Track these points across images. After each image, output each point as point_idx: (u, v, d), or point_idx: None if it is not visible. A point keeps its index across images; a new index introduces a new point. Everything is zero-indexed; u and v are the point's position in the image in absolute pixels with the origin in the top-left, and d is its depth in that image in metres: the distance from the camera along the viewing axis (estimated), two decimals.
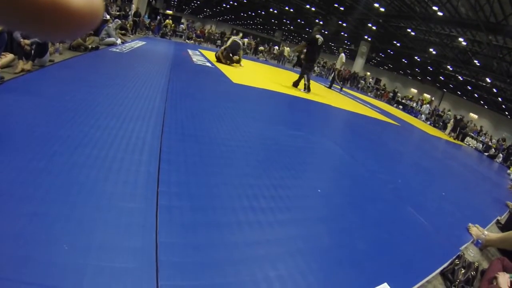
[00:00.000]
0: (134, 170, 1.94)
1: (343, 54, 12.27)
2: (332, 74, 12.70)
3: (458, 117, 15.42)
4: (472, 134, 15.72)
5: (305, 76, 8.76)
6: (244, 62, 11.06)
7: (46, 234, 1.29)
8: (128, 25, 13.15)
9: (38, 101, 2.87)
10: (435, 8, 15.49)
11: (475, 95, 27.39)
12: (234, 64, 10.02)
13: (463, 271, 2.02)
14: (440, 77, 28.78)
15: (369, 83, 23.34)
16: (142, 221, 1.52)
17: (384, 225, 2.36)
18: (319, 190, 2.53)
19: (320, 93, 9.83)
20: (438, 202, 3.51)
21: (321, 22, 27.73)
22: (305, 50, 9.09)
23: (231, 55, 9.72)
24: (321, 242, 1.83)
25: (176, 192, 1.83)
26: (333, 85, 13.03)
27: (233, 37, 10.16)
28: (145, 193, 1.74)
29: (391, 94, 22.83)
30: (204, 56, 10.75)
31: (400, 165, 4.67)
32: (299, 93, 8.25)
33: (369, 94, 21.85)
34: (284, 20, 34.81)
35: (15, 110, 2.54)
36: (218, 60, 9.72)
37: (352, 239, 1.98)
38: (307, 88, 8.65)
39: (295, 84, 8.92)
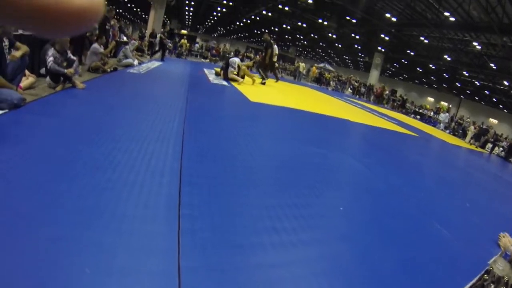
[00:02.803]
0: (155, 193, 1.95)
1: (276, 46, 12.33)
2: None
3: (484, 126, 15.02)
4: (495, 143, 15.16)
5: (264, 72, 11.05)
6: (259, 79, 11.05)
7: (67, 257, 1.29)
8: (144, 46, 13.56)
9: (59, 123, 2.96)
10: (446, 13, 15.34)
11: (493, 99, 26.73)
12: (251, 80, 10.00)
13: (492, 287, 1.91)
14: (456, 84, 28.25)
15: (386, 95, 23.09)
16: (164, 245, 1.52)
17: (408, 241, 2.28)
18: (341, 208, 2.48)
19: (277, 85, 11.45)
20: (463, 214, 3.39)
21: (334, 36, 27.86)
22: (263, 54, 11.46)
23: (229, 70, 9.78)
24: (345, 261, 1.78)
25: (197, 215, 1.82)
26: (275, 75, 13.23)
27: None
28: (166, 216, 1.74)
29: (400, 102, 22.50)
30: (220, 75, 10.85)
31: (422, 178, 4.55)
32: (315, 109, 8.26)
33: (385, 105, 21.58)
34: (298, 36, 34.94)
35: (37, 132, 2.62)
36: (224, 77, 9.82)
37: (376, 257, 1.91)
38: (264, 80, 10.89)
39: (263, 81, 10.85)
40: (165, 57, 12.92)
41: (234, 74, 9.67)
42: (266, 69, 11.32)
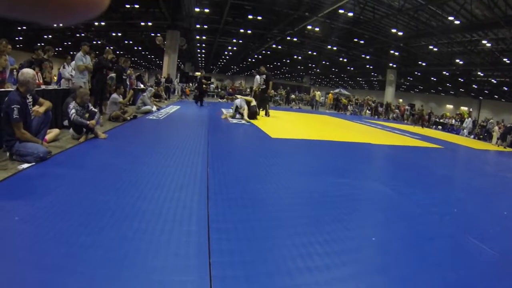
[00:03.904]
0: (184, 241, 1.94)
1: (258, 76, 11.55)
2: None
3: (508, 125, 14.45)
4: None
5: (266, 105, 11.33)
6: (278, 113, 11.05)
7: None
8: (161, 91, 14.08)
9: (84, 174, 3.05)
10: (451, 18, 15.38)
11: None
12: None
13: None
14: (473, 86, 27.74)
15: (407, 110, 22.76)
16: None
17: (447, 263, 2.13)
18: (373, 239, 2.38)
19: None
20: (501, 224, 3.15)
21: (345, 60, 28.12)
22: (264, 86, 11.05)
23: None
24: None
25: (228, 261, 1.79)
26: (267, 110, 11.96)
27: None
28: (197, 264, 1.73)
29: (420, 115, 22.02)
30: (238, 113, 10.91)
31: (452, 192, 4.36)
32: (336, 137, 8.24)
33: (406, 122, 21.15)
34: (310, 64, 35.07)
35: (63, 184, 2.71)
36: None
37: (417, 286, 1.81)
38: (267, 114, 11.21)
39: (266, 114, 11.20)
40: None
41: (230, 113, 9.56)
42: (265, 101, 11.50)
